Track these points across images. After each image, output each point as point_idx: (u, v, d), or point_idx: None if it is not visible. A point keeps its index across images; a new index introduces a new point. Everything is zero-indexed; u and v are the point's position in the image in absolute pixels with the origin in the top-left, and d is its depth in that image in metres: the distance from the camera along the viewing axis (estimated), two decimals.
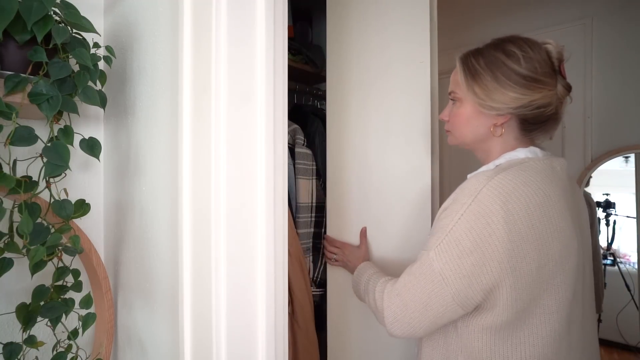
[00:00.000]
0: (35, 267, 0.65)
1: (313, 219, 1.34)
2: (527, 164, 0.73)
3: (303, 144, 1.32)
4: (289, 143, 1.26)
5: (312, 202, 1.33)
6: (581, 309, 0.77)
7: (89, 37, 0.74)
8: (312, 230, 1.35)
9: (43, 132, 0.68)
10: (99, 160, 0.73)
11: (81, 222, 0.79)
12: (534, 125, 0.78)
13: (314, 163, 1.34)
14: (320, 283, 1.38)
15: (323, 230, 1.36)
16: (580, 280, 0.75)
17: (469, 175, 0.78)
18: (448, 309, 0.70)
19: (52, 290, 0.71)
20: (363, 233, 1.16)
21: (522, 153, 0.78)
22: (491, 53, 0.78)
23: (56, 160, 0.64)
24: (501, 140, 0.80)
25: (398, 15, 1.12)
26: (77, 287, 0.74)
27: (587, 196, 2.07)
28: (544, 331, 0.70)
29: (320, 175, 1.38)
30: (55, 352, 0.73)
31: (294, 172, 1.29)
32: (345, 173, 1.22)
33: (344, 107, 1.23)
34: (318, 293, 1.38)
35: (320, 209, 1.35)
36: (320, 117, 1.50)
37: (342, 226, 1.22)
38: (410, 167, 1.10)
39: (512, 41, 0.77)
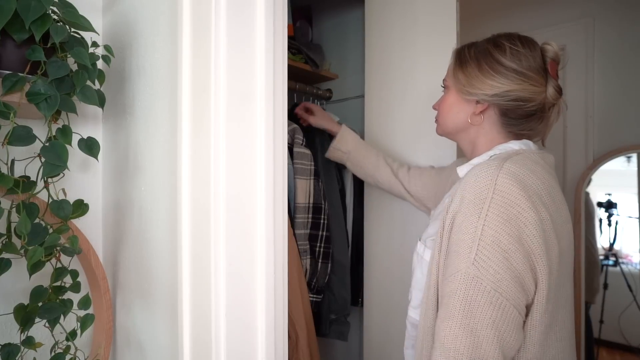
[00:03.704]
0: (34, 268, 0.64)
1: (310, 220, 1.33)
2: (525, 155, 0.71)
3: (302, 144, 1.31)
4: (287, 142, 1.26)
5: (308, 203, 1.32)
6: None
7: (88, 36, 0.74)
8: (309, 231, 1.34)
9: (41, 131, 0.68)
10: (97, 160, 0.73)
11: (79, 223, 0.78)
12: (515, 119, 0.77)
13: (312, 163, 1.33)
14: (318, 290, 1.37)
15: (321, 232, 1.34)
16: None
17: (459, 168, 0.77)
18: (514, 323, 0.61)
19: (50, 291, 0.71)
20: None
21: (516, 145, 0.77)
22: (483, 45, 0.80)
23: (54, 160, 0.64)
24: (483, 132, 0.80)
25: (427, 27, 1.34)
26: (76, 287, 0.74)
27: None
28: (569, 324, 0.70)
29: (319, 175, 1.37)
30: (53, 354, 0.73)
31: (293, 172, 1.28)
32: None
33: (378, 105, 1.43)
34: (315, 300, 1.36)
35: (317, 210, 1.34)
36: None
37: (379, 216, 1.43)
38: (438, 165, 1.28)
39: (506, 36, 0.79)
